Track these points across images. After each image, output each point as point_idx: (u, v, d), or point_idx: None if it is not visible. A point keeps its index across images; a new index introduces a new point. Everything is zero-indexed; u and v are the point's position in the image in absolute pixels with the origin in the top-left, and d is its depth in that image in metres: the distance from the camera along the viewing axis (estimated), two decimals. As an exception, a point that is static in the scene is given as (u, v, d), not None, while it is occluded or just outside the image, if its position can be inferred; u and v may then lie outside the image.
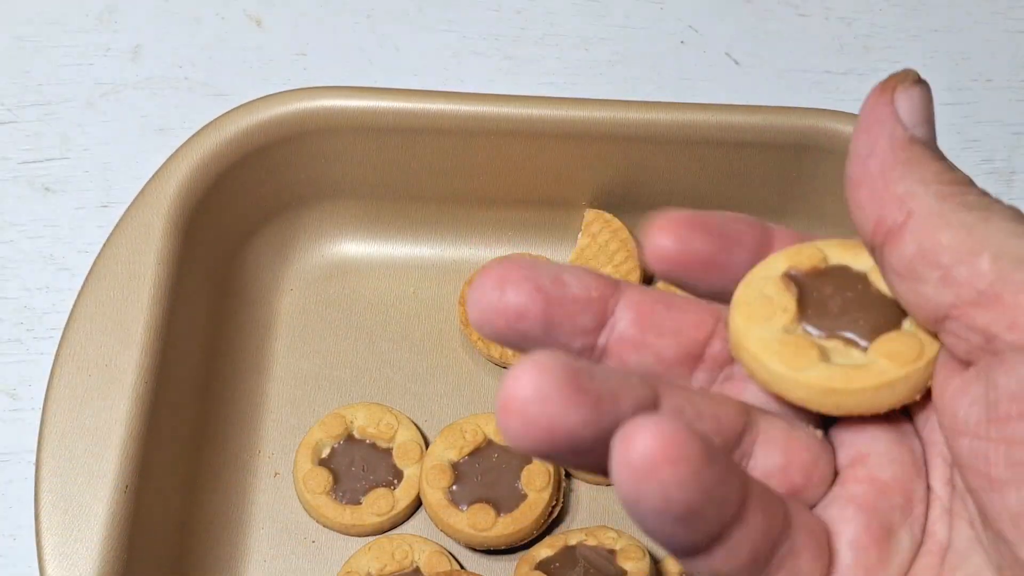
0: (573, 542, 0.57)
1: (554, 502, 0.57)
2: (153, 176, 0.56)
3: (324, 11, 0.71)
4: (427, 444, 0.58)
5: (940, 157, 0.31)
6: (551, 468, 0.56)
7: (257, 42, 0.69)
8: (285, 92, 0.59)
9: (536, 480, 0.56)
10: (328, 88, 0.59)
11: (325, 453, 0.58)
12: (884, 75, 0.64)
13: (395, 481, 0.57)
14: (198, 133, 0.58)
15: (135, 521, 0.51)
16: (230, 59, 0.69)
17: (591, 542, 0.56)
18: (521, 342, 0.31)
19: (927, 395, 0.31)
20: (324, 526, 0.59)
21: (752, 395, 0.33)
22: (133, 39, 0.69)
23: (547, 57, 0.69)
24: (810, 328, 0.31)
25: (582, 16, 0.71)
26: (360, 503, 0.57)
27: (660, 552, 0.56)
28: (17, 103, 0.67)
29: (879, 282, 0.31)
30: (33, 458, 0.50)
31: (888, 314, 0.31)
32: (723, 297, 0.33)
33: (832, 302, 0.32)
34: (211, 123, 0.58)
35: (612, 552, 0.56)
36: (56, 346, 0.52)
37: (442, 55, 0.70)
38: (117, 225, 0.55)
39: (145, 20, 0.70)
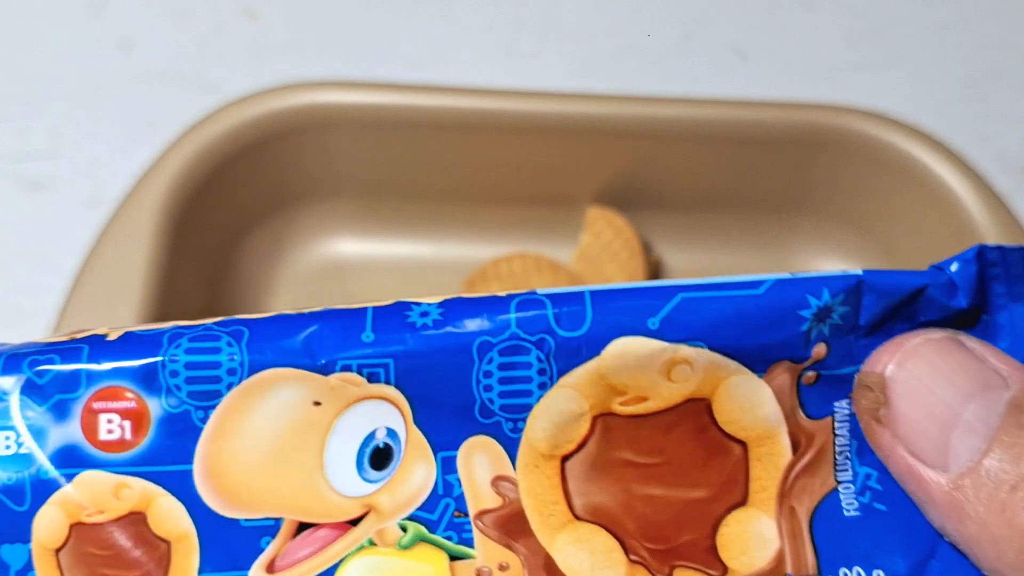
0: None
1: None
2: (144, 173, 0.55)
3: (319, 3, 0.69)
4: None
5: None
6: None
7: (251, 35, 0.68)
8: (279, 87, 0.58)
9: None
10: (323, 83, 0.58)
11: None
12: (895, 70, 0.64)
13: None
14: (190, 129, 0.57)
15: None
16: (223, 53, 0.68)
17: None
18: None
19: None
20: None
21: None
22: (124, 33, 0.68)
23: (548, 50, 0.68)
24: None
25: (584, 9, 0.70)
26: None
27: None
28: (5, 98, 0.65)
29: None
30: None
31: None
32: None
33: None
34: (204, 119, 0.57)
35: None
36: (45, 347, 0.51)
37: (441, 49, 0.69)
38: (107, 223, 0.54)
39: (136, 13, 0.68)
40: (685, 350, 0.29)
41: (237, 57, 0.67)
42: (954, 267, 0.30)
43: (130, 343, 0.29)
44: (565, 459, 0.30)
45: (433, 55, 0.68)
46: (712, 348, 0.29)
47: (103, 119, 0.65)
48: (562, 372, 0.29)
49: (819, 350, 0.30)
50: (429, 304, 0.30)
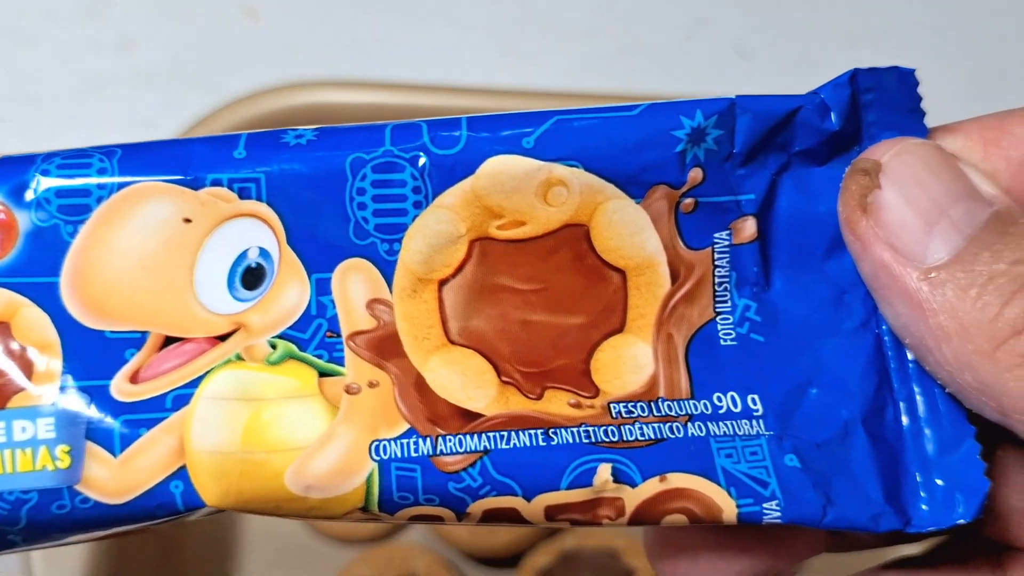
0: (569, 545, 0.55)
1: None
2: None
3: (320, 3, 0.70)
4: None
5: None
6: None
7: (250, 35, 0.69)
8: (279, 87, 0.58)
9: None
10: (323, 82, 0.58)
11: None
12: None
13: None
14: (190, 129, 0.57)
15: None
16: (222, 52, 0.68)
17: (590, 543, 0.55)
18: None
19: None
20: (318, 531, 0.58)
21: None
22: (123, 32, 0.68)
23: (548, 50, 0.69)
24: None
25: (585, 8, 0.70)
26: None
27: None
28: (5, 97, 0.66)
29: None
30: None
31: None
32: None
33: None
34: (203, 118, 0.57)
35: (615, 551, 0.55)
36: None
37: (440, 48, 0.69)
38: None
39: (136, 12, 0.69)
40: (560, 170, 0.29)
41: (237, 56, 0.68)
42: (828, 90, 0.30)
43: (4, 163, 0.29)
44: (442, 283, 0.30)
45: (433, 54, 0.68)
46: (588, 169, 0.29)
47: (102, 119, 0.65)
48: (437, 191, 0.29)
49: (695, 175, 0.30)
50: (305, 128, 0.30)
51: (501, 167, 0.29)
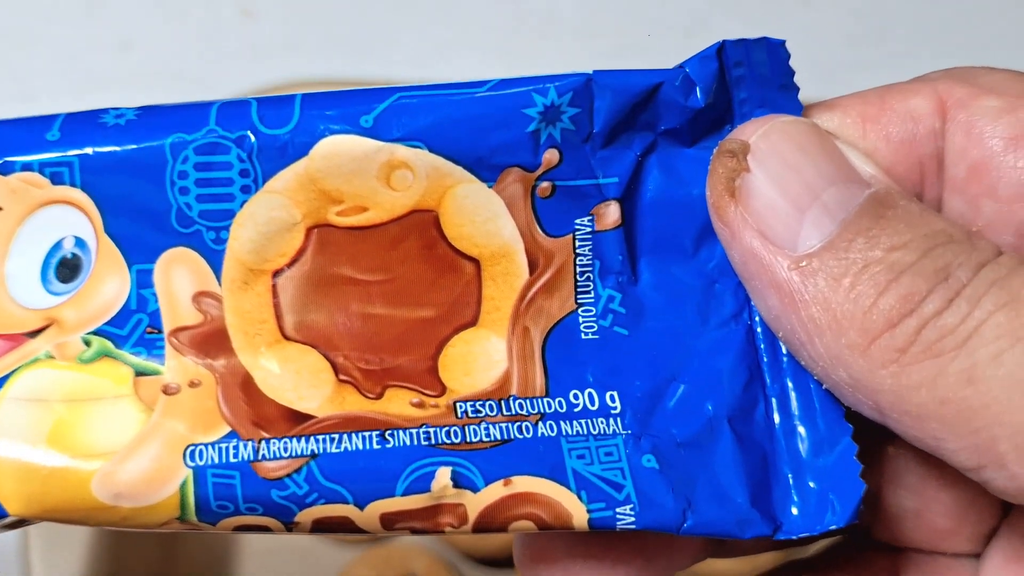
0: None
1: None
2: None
3: (317, 2, 0.69)
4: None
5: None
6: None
7: (248, 34, 0.68)
8: (277, 86, 0.57)
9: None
10: (321, 82, 0.58)
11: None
12: (896, 70, 0.62)
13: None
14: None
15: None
16: (220, 52, 0.68)
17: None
18: None
19: None
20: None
21: None
22: (122, 32, 0.68)
23: (546, 50, 0.68)
24: None
25: (582, 7, 0.69)
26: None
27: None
28: (5, 97, 0.66)
29: None
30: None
31: None
32: None
33: None
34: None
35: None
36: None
37: (437, 47, 0.68)
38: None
39: (134, 13, 0.69)
40: (403, 151, 0.27)
41: (234, 56, 0.67)
42: (693, 64, 0.28)
43: None
44: (277, 274, 0.28)
45: (431, 54, 0.68)
46: (433, 150, 0.27)
47: (99, 119, 0.65)
48: (268, 175, 0.27)
49: (550, 156, 0.28)
50: (128, 108, 0.28)
51: (337, 148, 0.27)
